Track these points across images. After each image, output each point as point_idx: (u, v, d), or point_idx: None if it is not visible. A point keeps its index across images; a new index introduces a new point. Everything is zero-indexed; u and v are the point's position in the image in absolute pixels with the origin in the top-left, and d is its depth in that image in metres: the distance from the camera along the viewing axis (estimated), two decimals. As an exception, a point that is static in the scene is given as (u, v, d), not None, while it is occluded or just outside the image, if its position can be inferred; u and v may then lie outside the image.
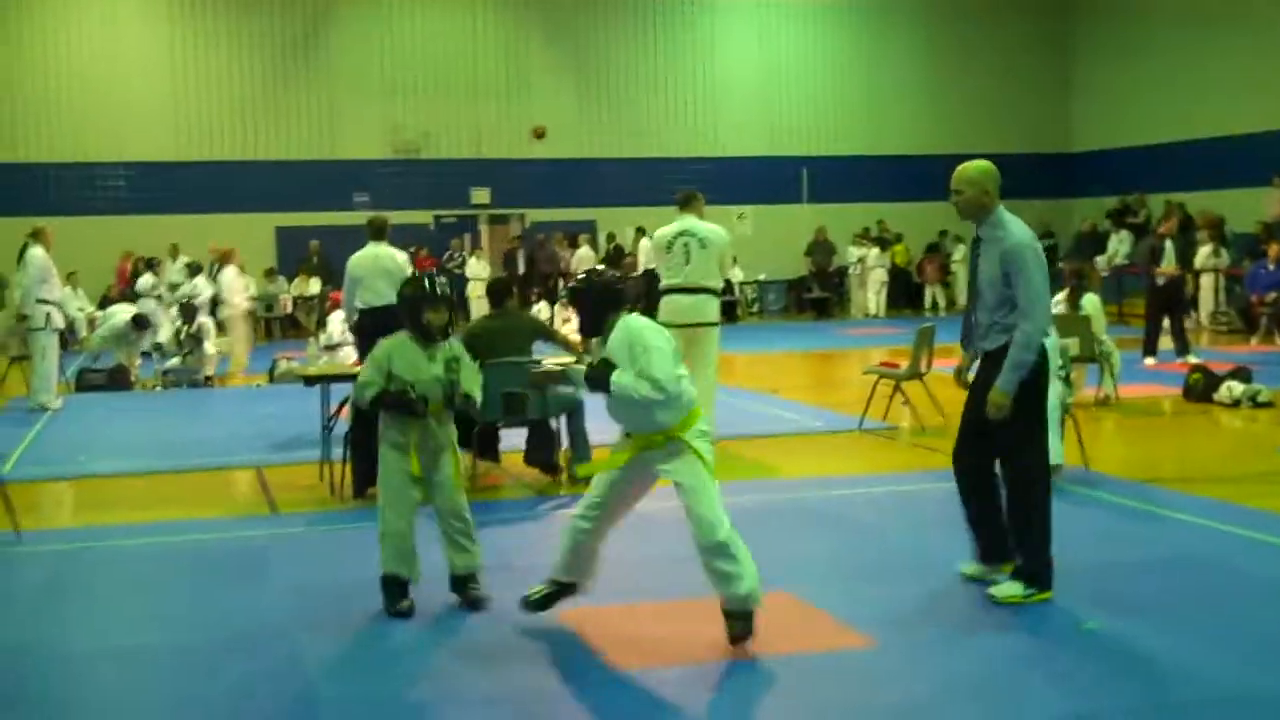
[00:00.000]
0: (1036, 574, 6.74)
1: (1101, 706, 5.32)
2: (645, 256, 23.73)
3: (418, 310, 6.88)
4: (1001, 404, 6.63)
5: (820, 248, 29.37)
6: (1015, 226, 6.87)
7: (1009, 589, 6.72)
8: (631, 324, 6.14)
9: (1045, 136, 31.49)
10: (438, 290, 6.91)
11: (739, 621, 6.05)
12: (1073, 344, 12.18)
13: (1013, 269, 6.69)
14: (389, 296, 12.41)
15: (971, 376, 7.08)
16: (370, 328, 12.68)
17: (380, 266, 11.79)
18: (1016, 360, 6.60)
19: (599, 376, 6.06)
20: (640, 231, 26.59)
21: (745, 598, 6.02)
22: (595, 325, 6.28)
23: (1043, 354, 6.71)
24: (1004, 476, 6.91)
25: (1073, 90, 31.77)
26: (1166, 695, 5.43)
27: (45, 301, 15.49)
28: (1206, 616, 6.51)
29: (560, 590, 6.53)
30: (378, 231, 12.33)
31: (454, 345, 6.98)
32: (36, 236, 15.67)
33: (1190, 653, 5.95)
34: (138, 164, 26.96)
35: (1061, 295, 14.37)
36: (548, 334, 10.75)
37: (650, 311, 7.07)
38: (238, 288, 19.35)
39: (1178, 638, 6.17)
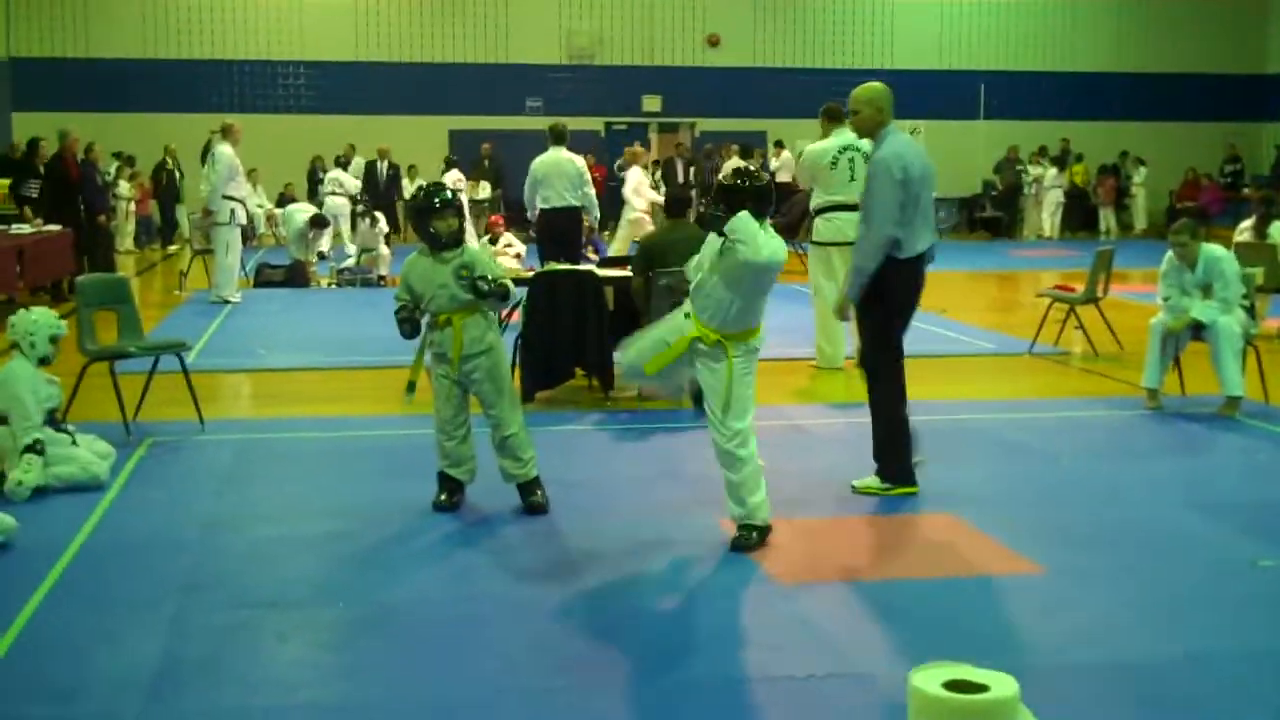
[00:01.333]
0: (890, 475, 7.29)
1: (1274, 643, 5.22)
2: (786, 170, 23.33)
3: (424, 220, 6.91)
4: (841, 306, 7.43)
5: (1008, 165, 28.65)
6: (889, 144, 7.17)
7: (868, 480, 7.34)
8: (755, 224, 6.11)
9: (1237, 56, 30.35)
10: (441, 199, 6.93)
11: (741, 532, 6.37)
12: (1258, 273, 11.77)
13: (869, 181, 7.18)
14: (568, 199, 13.26)
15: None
16: (549, 227, 13.42)
17: (560, 170, 12.79)
18: (856, 266, 7.18)
19: (714, 220, 6.19)
20: (779, 145, 26.29)
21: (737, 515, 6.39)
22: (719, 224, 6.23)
23: (894, 266, 7.05)
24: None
25: (1270, 8, 30.50)
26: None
27: (230, 198, 15.92)
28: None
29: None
30: (559, 137, 13.41)
31: (465, 252, 6.95)
32: (225, 133, 16.07)
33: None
34: (317, 63, 27.44)
35: (1248, 223, 13.95)
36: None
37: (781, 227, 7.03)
38: None
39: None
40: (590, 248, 15.98)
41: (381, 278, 18.23)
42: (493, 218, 18.70)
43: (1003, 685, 3.56)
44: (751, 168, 6.49)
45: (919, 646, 5.05)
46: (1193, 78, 30.13)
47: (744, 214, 6.06)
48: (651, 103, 28.68)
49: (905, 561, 6.22)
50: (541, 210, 13.41)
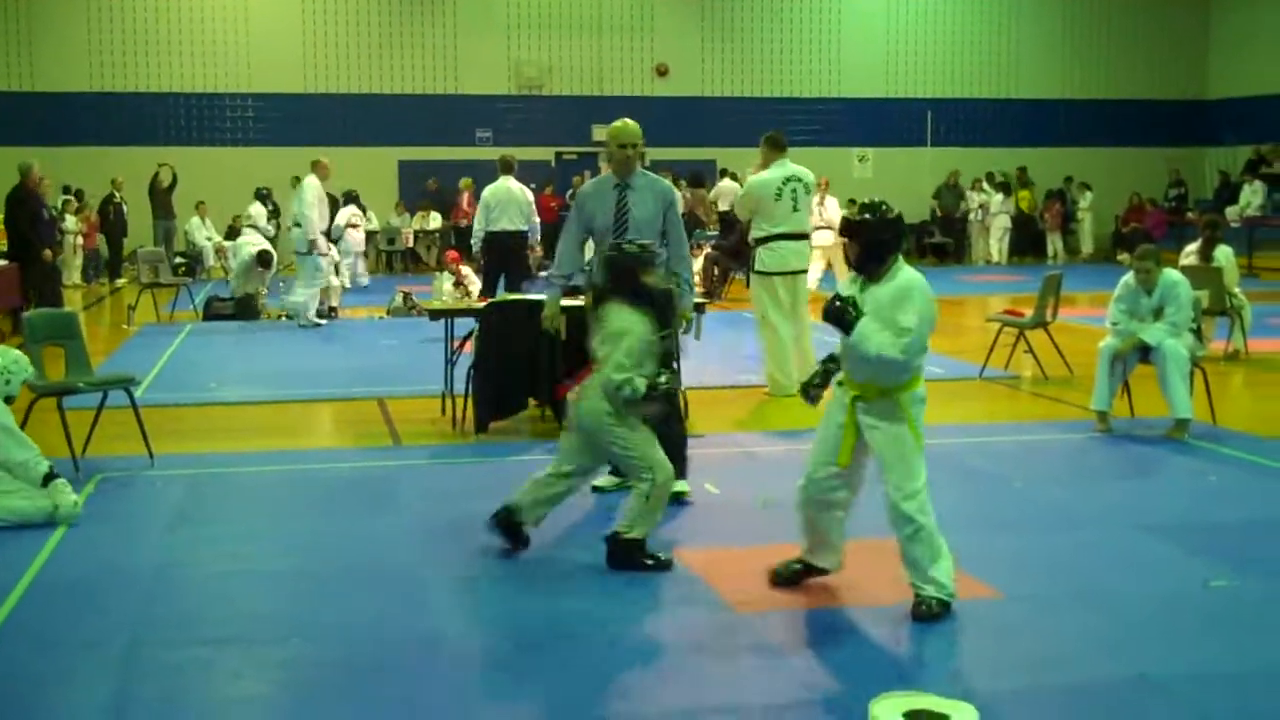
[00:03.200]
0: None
1: (1229, 666, 5.26)
2: (724, 199, 23.49)
3: (637, 272, 6.63)
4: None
5: (949, 191, 28.92)
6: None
7: (606, 479, 7.82)
8: (907, 275, 5.77)
9: (1180, 83, 30.72)
10: (650, 255, 6.75)
11: (922, 606, 5.74)
12: (1203, 296, 11.93)
13: (671, 210, 7.87)
14: (516, 224, 14.70)
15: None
16: (496, 249, 14.78)
17: (510, 197, 14.66)
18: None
19: (838, 313, 5.71)
20: (724, 173, 26.37)
21: (926, 586, 5.75)
22: (874, 263, 5.81)
23: None
24: None
25: (1211, 36, 30.92)
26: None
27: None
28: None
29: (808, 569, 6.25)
30: (507, 167, 15.25)
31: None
32: (314, 167, 16.75)
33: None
34: (265, 95, 27.32)
35: (1193, 246, 14.10)
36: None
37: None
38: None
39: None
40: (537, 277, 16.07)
41: (333, 309, 18.12)
42: (450, 253, 18.70)
43: (963, 714, 3.57)
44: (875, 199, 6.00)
45: (879, 674, 5.06)
46: (1137, 104, 30.48)
47: (865, 320, 5.69)
48: (601, 132, 28.65)
49: (864, 588, 6.21)
50: (489, 233, 14.68)
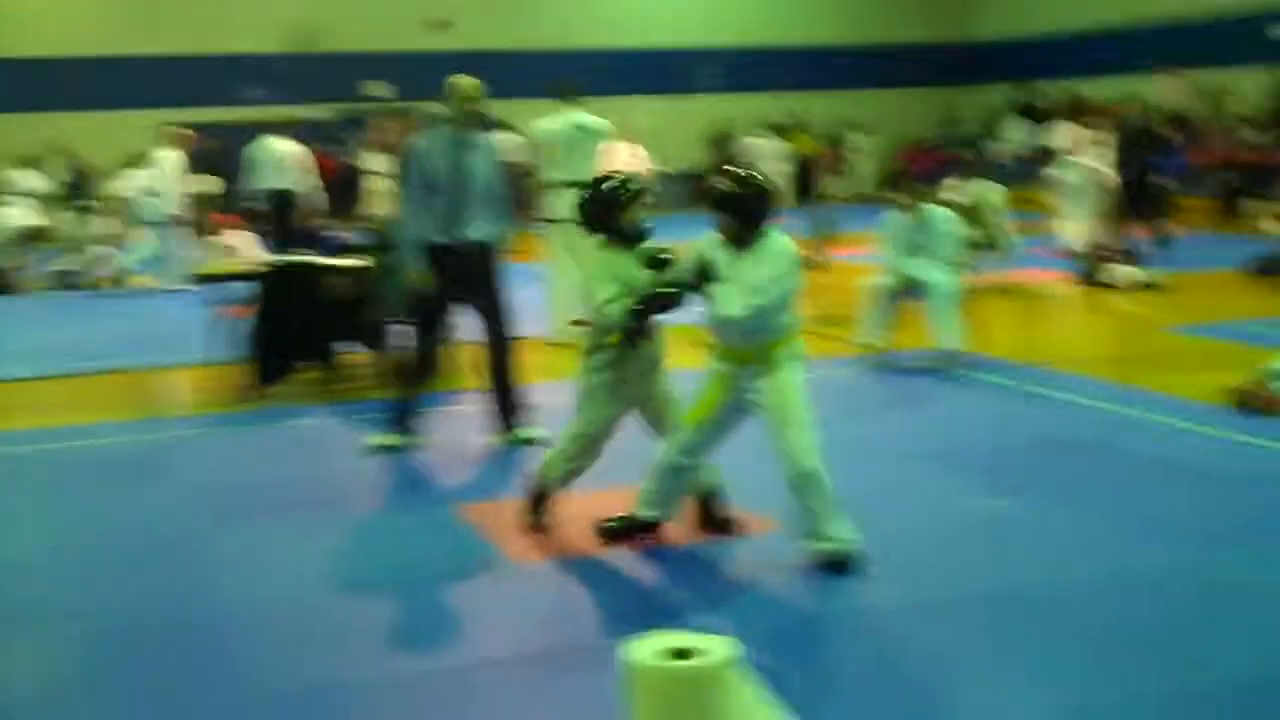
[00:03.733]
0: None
1: (999, 586, 5.48)
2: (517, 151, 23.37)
3: (609, 211, 6.11)
4: None
5: (724, 139, 29.26)
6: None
7: (533, 430, 7.96)
8: (783, 243, 5.71)
9: (947, 26, 31.52)
10: (629, 192, 6.13)
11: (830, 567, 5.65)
12: (969, 230, 12.32)
13: (500, 165, 7.94)
14: (283, 184, 14.79)
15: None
16: (271, 208, 14.78)
17: (271, 155, 14.90)
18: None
19: (668, 298, 5.74)
20: (500, 125, 26.17)
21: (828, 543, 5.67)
22: (749, 234, 5.68)
23: None
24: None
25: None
26: (1063, 572, 5.60)
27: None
28: (1095, 495, 6.72)
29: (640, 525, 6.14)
30: (271, 126, 14.32)
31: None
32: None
33: (1081, 531, 6.14)
34: (15, 60, 26.14)
35: (959, 183, 14.54)
36: None
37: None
38: None
39: (1070, 516, 6.36)
40: (324, 235, 15.81)
41: (102, 279, 17.50)
42: (221, 216, 18.16)
43: (720, 648, 3.61)
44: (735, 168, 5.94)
45: (657, 615, 5.14)
46: (907, 47, 31.17)
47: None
48: (379, 88, 28.26)
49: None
50: (262, 192, 15.04)
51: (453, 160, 7.71)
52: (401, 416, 7.96)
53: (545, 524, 6.31)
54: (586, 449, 6.23)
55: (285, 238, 14.13)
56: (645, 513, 6.10)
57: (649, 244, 6.05)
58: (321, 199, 15.03)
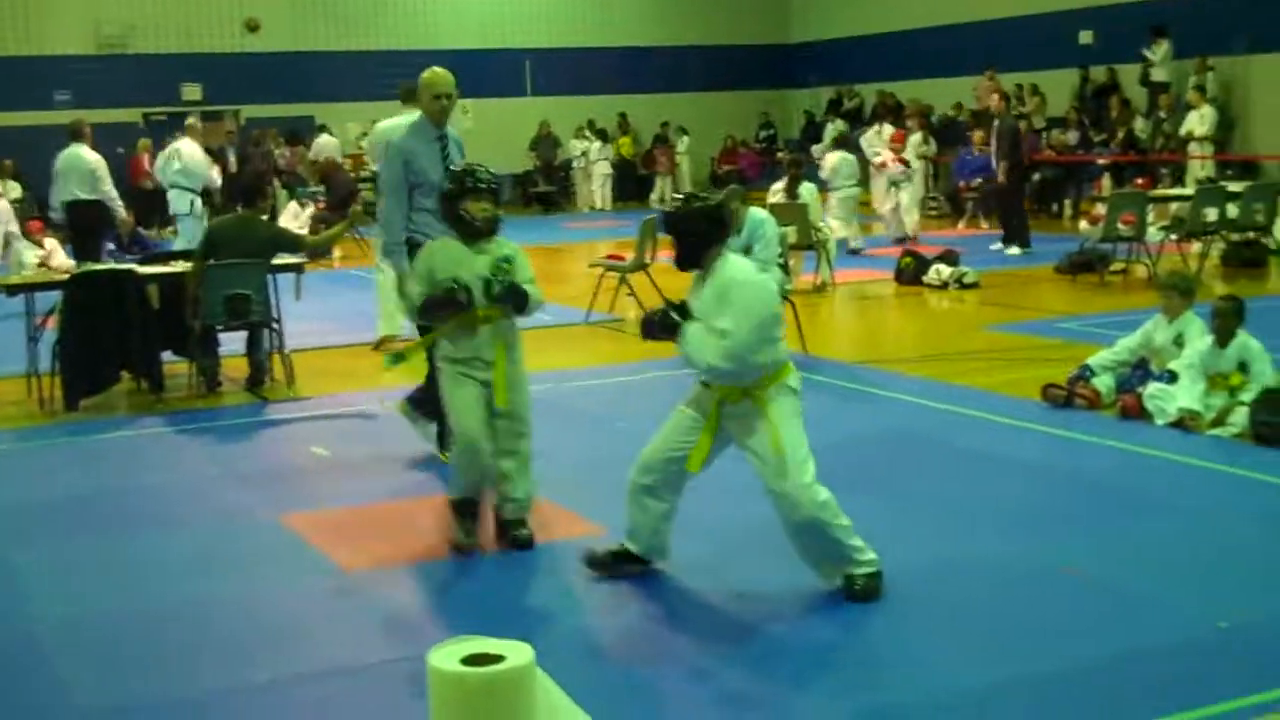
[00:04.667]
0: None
1: (808, 582, 5.52)
2: (324, 154, 23.31)
3: (456, 204, 6.05)
4: None
5: (544, 142, 29.28)
6: None
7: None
8: (731, 272, 5.35)
9: (764, 29, 31.95)
10: (479, 181, 6.05)
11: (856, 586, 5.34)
12: (790, 232, 12.49)
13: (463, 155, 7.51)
14: (80, 194, 13.70)
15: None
16: (72, 221, 13.98)
17: (74, 165, 13.69)
18: None
19: (661, 325, 5.41)
20: (322, 129, 25.80)
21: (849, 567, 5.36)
22: (694, 260, 5.45)
23: None
24: None
25: (789, -18, 32.31)
26: (890, 564, 5.63)
27: None
28: (921, 489, 6.86)
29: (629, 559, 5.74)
30: (75, 134, 14.40)
31: (506, 243, 6.17)
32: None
33: (907, 523, 6.25)
34: None
35: (780, 185, 14.73)
36: (288, 243, 10.17)
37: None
38: None
39: (898, 509, 6.47)
40: (136, 244, 15.41)
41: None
42: (31, 222, 17.54)
43: (518, 654, 3.61)
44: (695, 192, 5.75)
45: (477, 623, 5.08)
46: (727, 49, 31.51)
47: (693, 326, 5.36)
48: (192, 91, 27.57)
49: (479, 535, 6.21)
50: (64, 204, 13.91)
51: (436, 157, 7.30)
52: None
53: (470, 542, 6.03)
54: (466, 455, 6.03)
55: (86, 248, 13.56)
56: (633, 547, 5.69)
57: (504, 253, 6.08)
58: (121, 207, 14.25)
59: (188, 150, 15.06)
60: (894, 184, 19.50)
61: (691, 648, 4.92)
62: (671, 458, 5.49)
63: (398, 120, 11.25)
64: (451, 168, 6.54)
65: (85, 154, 13.63)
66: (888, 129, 21.21)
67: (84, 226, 13.85)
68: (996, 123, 17.77)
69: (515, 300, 6.07)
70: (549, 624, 5.10)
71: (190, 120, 16.30)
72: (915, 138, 21.42)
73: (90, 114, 22.04)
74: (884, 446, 7.77)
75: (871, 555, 5.36)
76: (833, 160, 17.55)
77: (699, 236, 5.41)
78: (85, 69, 26.51)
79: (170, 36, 27.28)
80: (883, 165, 19.65)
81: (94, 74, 26.51)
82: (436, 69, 7.53)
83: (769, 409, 5.27)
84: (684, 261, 5.49)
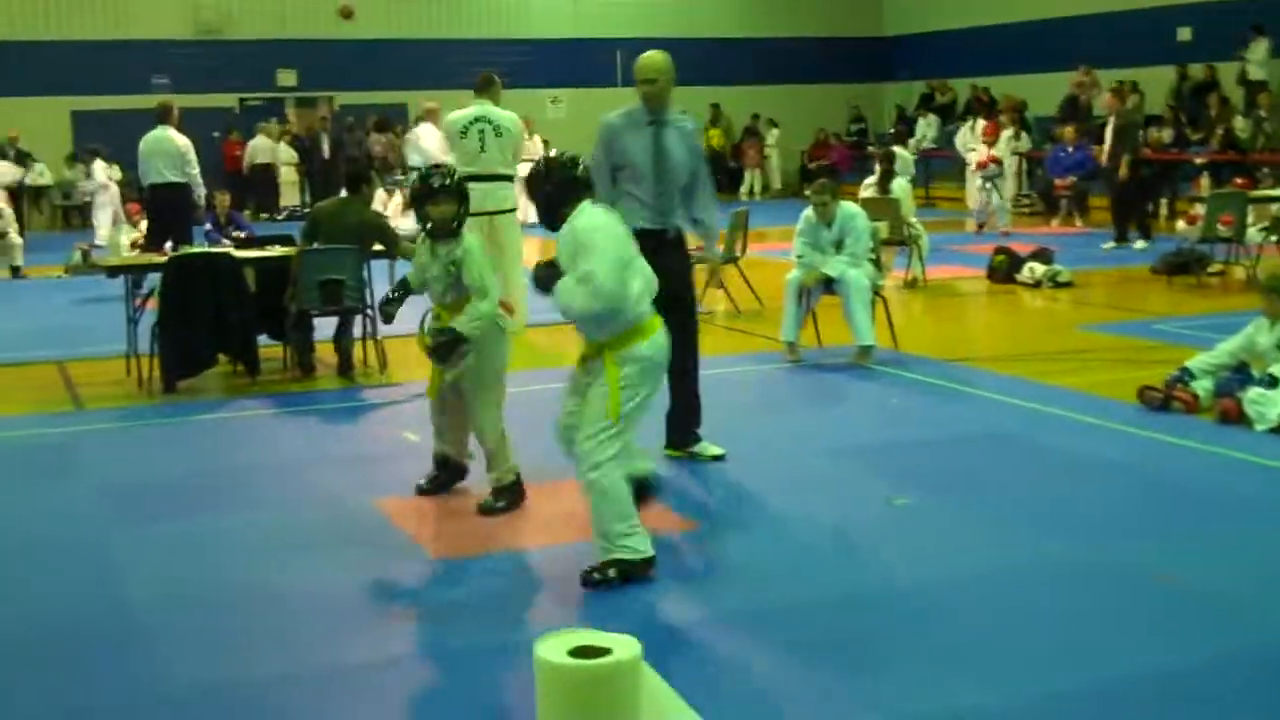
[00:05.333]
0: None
1: (917, 577, 5.49)
2: (430, 142, 23.30)
3: (419, 204, 6.45)
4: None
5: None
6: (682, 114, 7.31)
7: (713, 447, 7.31)
8: (582, 220, 5.50)
9: (857, 21, 31.73)
10: (439, 183, 6.42)
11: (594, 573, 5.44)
12: (882, 227, 12.42)
13: (697, 151, 7.37)
14: (168, 176, 13.75)
15: None
16: (155, 203, 14.07)
17: (160, 148, 13.82)
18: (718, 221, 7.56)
19: (544, 278, 5.55)
20: (418, 120, 25.94)
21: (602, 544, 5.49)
22: (551, 217, 5.64)
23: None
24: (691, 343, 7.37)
25: (883, -27, 32.07)
26: (976, 566, 5.62)
27: None
28: (1006, 490, 6.76)
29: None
30: (162, 115, 14.12)
31: (462, 243, 6.43)
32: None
33: (989, 525, 6.18)
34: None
35: (872, 179, 14.63)
36: (386, 238, 10.12)
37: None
38: None
39: (980, 511, 6.39)
40: (233, 226, 15.57)
41: (15, 268, 17.15)
42: (132, 205, 17.86)
43: (625, 648, 3.62)
44: (555, 152, 5.93)
45: (574, 613, 5.10)
46: (818, 41, 31.34)
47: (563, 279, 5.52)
48: (287, 77, 27.91)
49: (559, 528, 6.23)
50: (148, 187, 14.05)
51: (645, 143, 7.12)
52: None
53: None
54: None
55: (168, 230, 13.57)
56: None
57: (454, 256, 6.38)
58: (204, 192, 14.29)
59: (425, 135, 15.47)
60: (988, 180, 19.34)
61: (784, 646, 4.88)
62: (570, 424, 5.61)
63: (468, 111, 11.38)
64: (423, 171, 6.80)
65: (173, 136, 13.71)
66: (981, 124, 21.02)
67: (167, 208, 13.85)
68: (1113, 119, 17.67)
69: (447, 348, 6.35)
70: (631, 616, 5.08)
71: (430, 105, 16.87)
72: (1008, 133, 21.19)
73: (186, 98, 22.38)
74: (973, 445, 7.69)
75: (636, 544, 5.39)
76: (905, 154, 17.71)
77: (550, 197, 5.60)
78: (183, 54, 26.88)
79: (266, 23, 27.57)
80: (982, 164, 19.50)
81: (191, 59, 26.88)
82: (646, 53, 7.31)
83: (611, 372, 5.38)
84: (544, 221, 5.69)
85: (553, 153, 5.96)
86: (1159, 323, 11.46)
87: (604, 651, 3.59)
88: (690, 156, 7.25)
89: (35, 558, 6.04)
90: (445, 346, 6.33)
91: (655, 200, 7.10)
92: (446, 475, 6.81)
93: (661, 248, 6.84)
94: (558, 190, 5.60)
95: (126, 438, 8.47)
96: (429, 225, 6.43)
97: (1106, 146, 17.62)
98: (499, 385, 6.62)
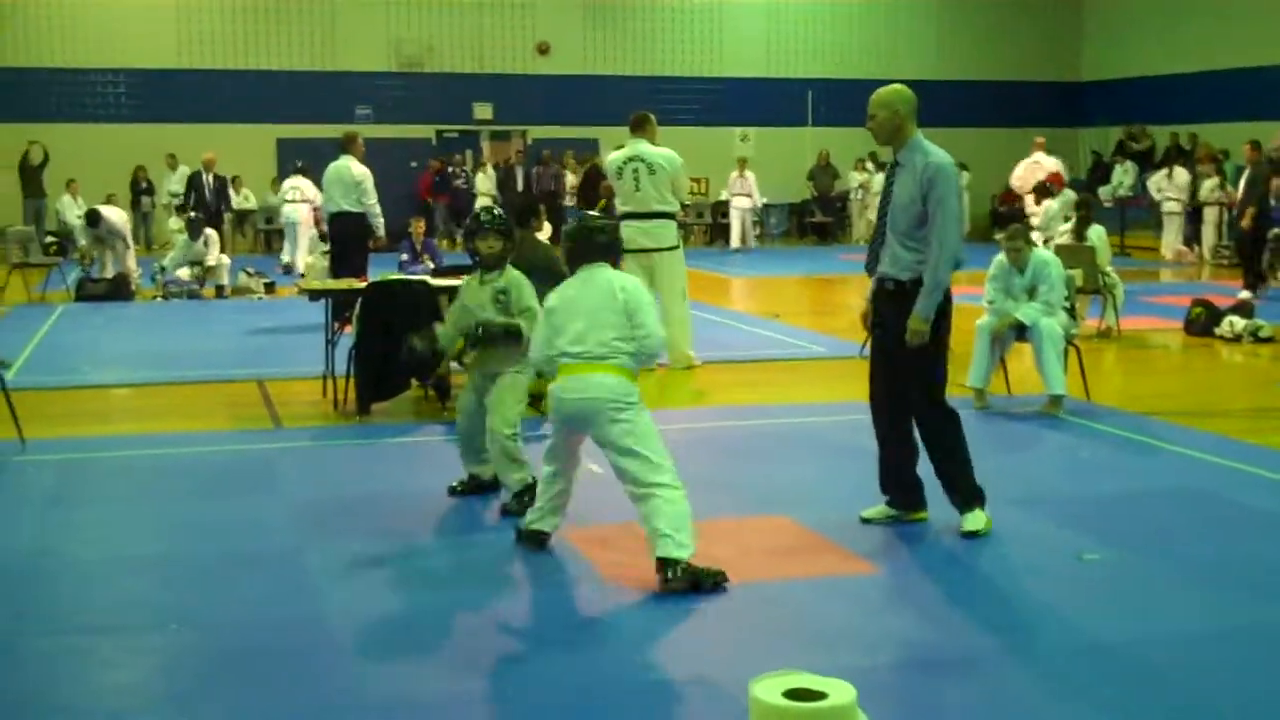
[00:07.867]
0: (979, 498, 6.72)
1: (1101, 638, 5.37)
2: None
3: (468, 240, 7.14)
4: (922, 330, 6.61)
5: (822, 172, 29.22)
6: (935, 149, 6.62)
7: (976, 520, 6.65)
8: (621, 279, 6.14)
9: (1054, 64, 31.28)
10: (484, 220, 7.09)
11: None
12: (1077, 275, 12.18)
13: (931, 188, 6.49)
14: (343, 205, 14.05)
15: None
16: (333, 232, 14.50)
17: (338, 177, 14.08)
18: (935, 283, 6.57)
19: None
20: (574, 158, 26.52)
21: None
22: (571, 267, 6.29)
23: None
24: (914, 409, 6.88)
25: (1085, 18, 31.52)
26: (1163, 626, 5.48)
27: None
28: (1202, 549, 6.56)
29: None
30: (344, 145, 14.35)
31: (507, 275, 7.11)
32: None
33: (1186, 585, 6.01)
34: (137, 71, 26.74)
35: (1067, 226, 14.37)
36: (552, 274, 10.33)
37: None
38: None
39: (1175, 570, 6.22)
40: (426, 256, 15.91)
41: (221, 288, 17.83)
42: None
43: (840, 692, 3.62)
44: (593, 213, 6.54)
45: (761, 651, 5.09)
46: (1012, 85, 30.97)
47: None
48: (483, 110, 28.55)
49: (743, 563, 6.24)
50: (329, 215, 14.50)
51: (889, 185, 6.77)
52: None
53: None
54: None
55: (345, 259, 13.84)
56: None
57: (502, 285, 7.04)
58: (381, 222, 14.40)
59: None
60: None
61: (989, 691, 4.83)
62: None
63: (622, 151, 11.57)
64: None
65: (352, 166, 13.87)
66: (1180, 173, 20.51)
67: (344, 238, 14.12)
68: (1248, 169, 17.83)
69: (492, 340, 7.03)
70: (831, 657, 5.06)
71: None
72: (1209, 183, 20.65)
73: (386, 129, 22.98)
74: (1165, 501, 7.49)
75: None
76: (1053, 206, 17.54)
77: (570, 253, 6.27)
78: (385, 85, 27.72)
79: (465, 57, 28.27)
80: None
81: (392, 90, 27.71)
82: (894, 86, 6.83)
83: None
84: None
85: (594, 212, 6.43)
86: (1366, 383, 11.04)
87: (819, 695, 3.61)
88: (912, 201, 6.56)
89: (238, 570, 6.25)
90: (494, 338, 6.98)
91: (876, 244, 6.88)
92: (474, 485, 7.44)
93: (875, 298, 6.86)
94: (578, 250, 6.20)
95: (322, 456, 8.73)
96: (478, 258, 7.09)
97: (1239, 196, 17.92)
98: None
